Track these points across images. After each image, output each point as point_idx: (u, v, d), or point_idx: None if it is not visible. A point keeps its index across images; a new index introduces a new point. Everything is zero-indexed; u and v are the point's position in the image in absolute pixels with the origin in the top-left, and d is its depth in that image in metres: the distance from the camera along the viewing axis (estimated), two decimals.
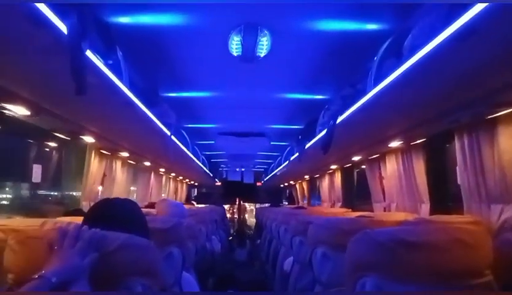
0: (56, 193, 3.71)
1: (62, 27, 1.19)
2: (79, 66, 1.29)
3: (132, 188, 4.85)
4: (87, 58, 1.39)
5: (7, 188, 3.07)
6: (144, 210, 2.84)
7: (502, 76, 1.42)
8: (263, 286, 4.01)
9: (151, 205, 3.59)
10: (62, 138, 2.77)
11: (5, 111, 1.91)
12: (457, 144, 2.09)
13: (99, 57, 1.53)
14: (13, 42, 1.24)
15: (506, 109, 1.71)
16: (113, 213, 1.12)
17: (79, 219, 1.12)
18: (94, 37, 1.51)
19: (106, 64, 1.60)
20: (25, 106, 1.86)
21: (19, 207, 3.07)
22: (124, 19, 1.78)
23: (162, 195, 6.40)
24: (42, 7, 1.08)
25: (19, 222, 1.58)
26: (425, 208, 2.62)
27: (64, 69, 1.28)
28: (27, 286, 0.82)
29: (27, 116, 2.00)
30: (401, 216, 2.47)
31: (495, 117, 1.81)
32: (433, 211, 2.56)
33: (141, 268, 1.00)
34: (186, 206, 5.03)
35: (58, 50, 1.26)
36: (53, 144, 3.35)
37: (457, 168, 2.13)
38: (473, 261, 1.20)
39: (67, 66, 1.28)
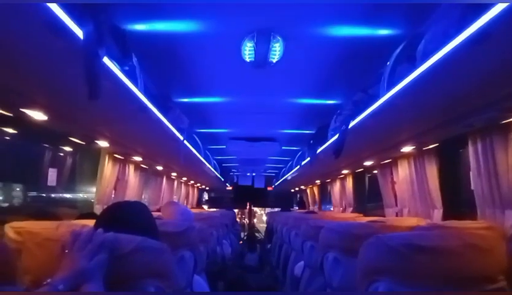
0: (69, 196, 3.76)
1: (79, 34, 1.21)
2: (93, 72, 1.31)
3: (144, 192, 4.89)
4: (103, 64, 1.42)
5: (22, 192, 3.12)
6: (156, 214, 2.88)
7: None
8: (273, 290, 3.99)
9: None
10: (78, 143, 2.81)
11: (22, 116, 1.96)
12: (470, 149, 2.08)
13: (115, 63, 1.56)
14: (31, 47, 1.27)
15: None
16: (123, 216, 1.14)
17: (93, 223, 1.14)
18: (110, 44, 1.54)
19: (122, 70, 1.63)
20: (42, 110, 1.90)
21: (35, 210, 3.12)
22: (139, 26, 1.81)
23: (174, 198, 6.44)
24: (60, 14, 1.11)
25: (35, 224, 1.60)
26: (438, 214, 2.60)
27: (80, 74, 1.30)
28: (35, 294, 0.84)
29: (44, 121, 2.05)
30: (413, 221, 2.44)
31: (509, 121, 1.80)
32: (445, 217, 2.54)
33: (155, 271, 1.01)
34: (197, 210, 5.06)
35: (75, 56, 1.28)
36: (68, 149, 3.40)
37: (471, 173, 2.11)
38: (486, 266, 1.18)
39: (83, 72, 1.30)
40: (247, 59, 2.02)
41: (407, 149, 2.74)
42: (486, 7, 1.03)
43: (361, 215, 3.84)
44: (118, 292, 0.96)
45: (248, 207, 11.21)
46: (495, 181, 1.92)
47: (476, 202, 2.06)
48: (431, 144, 2.59)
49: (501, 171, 1.89)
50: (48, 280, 0.86)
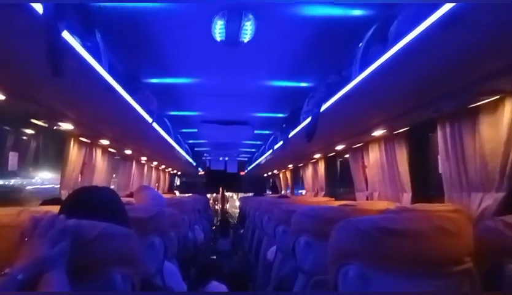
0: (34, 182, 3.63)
1: (38, 8, 1.14)
2: (55, 47, 1.24)
3: (113, 177, 4.78)
4: (63, 39, 1.34)
5: None
6: (125, 199, 2.81)
7: (485, 65, 1.42)
8: (246, 275, 4.01)
9: (133, 194, 3.54)
10: (40, 125, 2.68)
11: None
12: (439, 133, 2.11)
13: (77, 38, 1.47)
14: None
15: (488, 98, 1.73)
16: (91, 201, 1.09)
17: (57, 209, 1.08)
18: (71, 18, 1.45)
19: (84, 46, 1.54)
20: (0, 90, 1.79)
21: None
22: (104, 1, 1.71)
23: (145, 183, 6.33)
24: None
25: None
26: (407, 197, 2.66)
27: (40, 51, 1.23)
28: None
29: (2, 100, 1.93)
30: (383, 205, 2.49)
31: (476, 106, 1.83)
32: (414, 200, 2.59)
33: (121, 258, 0.97)
34: (169, 196, 5.00)
35: (34, 31, 1.21)
36: (30, 131, 3.26)
37: (439, 157, 2.15)
38: (453, 248, 1.20)
39: (43, 48, 1.22)
40: (218, 39, 1.96)
41: (378, 132, 2.77)
42: None
43: (333, 199, 3.89)
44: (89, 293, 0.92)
45: (221, 192, 11.21)
46: (463, 165, 1.96)
47: (444, 186, 2.10)
48: (401, 128, 2.63)
49: (468, 155, 1.93)
50: (7, 270, 0.80)
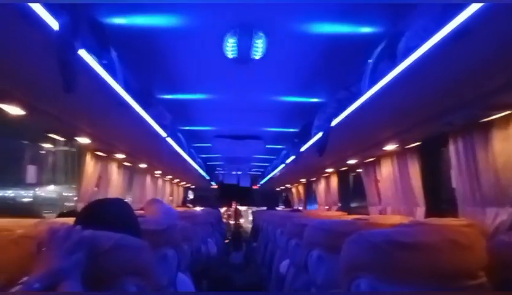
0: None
1: (54, 25, 1.19)
2: (68, 63, 1.28)
3: (128, 190, 4.83)
4: (79, 56, 1.39)
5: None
6: (140, 212, 2.84)
7: (496, 78, 1.42)
8: (258, 288, 3.99)
9: None
10: (58, 139, 2.75)
11: None
12: (451, 147, 2.10)
13: (93, 56, 1.52)
14: (5, 39, 1.24)
15: (500, 112, 1.72)
16: (104, 213, 1.12)
17: (73, 221, 1.11)
18: (87, 37, 1.51)
19: (100, 64, 1.59)
20: (19, 105, 1.85)
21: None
22: (119, 20, 1.78)
23: (159, 197, 6.37)
24: (34, 4, 1.09)
25: (11, 222, 1.56)
26: (420, 211, 2.63)
27: (56, 67, 1.28)
28: (11, 294, 0.81)
29: (22, 116, 1.99)
30: (396, 219, 2.47)
31: (489, 120, 1.82)
32: (428, 215, 2.56)
33: (135, 269, 0.99)
34: (182, 209, 5.02)
35: (51, 48, 1.25)
36: (48, 145, 3.33)
37: (452, 171, 2.14)
38: (467, 263, 1.20)
39: (58, 64, 1.27)
40: (230, 56, 2.00)
41: (390, 147, 2.76)
42: (465, 5, 1.04)
43: (346, 213, 3.86)
44: (99, 293, 0.94)
45: (234, 206, 11.18)
46: (476, 179, 1.94)
47: (457, 200, 2.08)
48: (413, 143, 2.61)
49: (481, 169, 1.91)
50: (24, 279, 0.83)
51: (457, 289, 1.16)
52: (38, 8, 1.10)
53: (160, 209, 2.52)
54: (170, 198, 7.43)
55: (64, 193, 3.98)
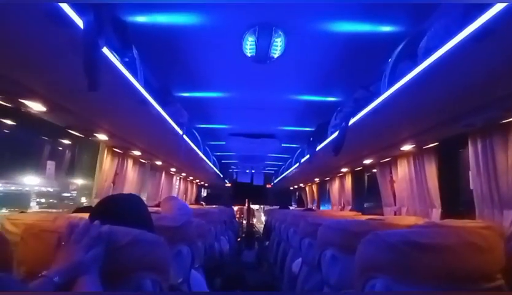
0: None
1: (79, 23, 1.21)
2: (93, 62, 1.30)
3: (143, 187, 4.88)
4: (103, 54, 1.41)
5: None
6: (154, 209, 2.87)
7: None
8: (270, 287, 4.00)
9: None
10: (77, 135, 2.80)
11: (21, 107, 1.95)
12: (470, 149, 2.07)
13: (115, 54, 1.55)
14: (30, 37, 1.26)
15: None
16: (118, 208, 1.14)
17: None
18: (110, 35, 1.53)
19: (122, 62, 1.62)
20: (41, 102, 1.89)
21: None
22: (140, 18, 1.80)
23: (173, 194, 6.43)
24: (61, 4, 1.10)
25: (32, 216, 1.60)
26: (436, 213, 2.60)
27: (80, 65, 1.30)
28: (31, 286, 0.83)
29: (43, 112, 2.04)
30: (411, 220, 2.44)
31: (509, 121, 1.79)
32: (444, 216, 2.53)
33: (151, 264, 1.01)
34: (196, 206, 5.06)
35: (74, 47, 1.27)
36: (67, 141, 3.40)
37: (470, 172, 2.11)
38: (484, 265, 1.18)
39: (83, 62, 1.29)
40: (248, 54, 2.01)
41: (407, 147, 2.73)
42: (488, 5, 1.03)
43: (360, 214, 3.84)
44: (112, 293, 0.96)
45: (246, 204, 11.20)
46: (494, 181, 1.91)
47: (475, 202, 2.05)
48: (431, 143, 2.59)
49: (500, 171, 1.88)
50: (44, 272, 0.86)
51: (473, 291, 1.15)
52: (65, 7, 1.12)
53: (176, 206, 2.54)
54: (184, 195, 7.48)
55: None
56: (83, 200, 4.02)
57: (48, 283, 0.84)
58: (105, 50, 1.42)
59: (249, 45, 1.94)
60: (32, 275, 0.89)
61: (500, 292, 1.19)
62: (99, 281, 0.91)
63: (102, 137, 2.84)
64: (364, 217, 2.84)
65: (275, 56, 2.01)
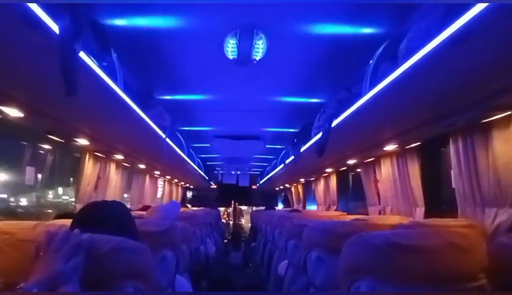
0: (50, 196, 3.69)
1: (55, 28, 1.18)
2: (70, 67, 1.27)
3: (127, 191, 4.82)
4: (80, 59, 1.38)
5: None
6: (138, 213, 2.83)
7: (498, 79, 1.42)
8: (257, 289, 3.99)
9: (146, 208, 3.57)
10: (57, 140, 2.75)
11: None
12: (451, 148, 2.10)
13: (92, 59, 1.51)
14: (4, 42, 1.23)
15: (501, 113, 1.72)
16: (100, 215, 1.11)
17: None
18: (88, 38, 1.49)
19: (100, 66, 1.59)
20: (17, 107, 1.85)
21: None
22: (119, 21, 1.77)
23: (158, 197, 6.37)
24: (34, 7, 1.07)
25: (9, 224, 1.55)
26: (420, 212, 2.63)
27: (57, 69, 1.27)
28: None
29: (20, 118, 1.99)
30: (395, 220, 2.46)
31: (489, 120, 1.82)
32: (427, 215, 2.56)
33: (134, 271, 0.99)
34: (181, 209, 5.01)
35: (50, 51, 1.24)
36: (47, 147, 3.32)
37: (452, 171, 2.13)
38: (467, 265, 1.20)
39: (59, 67, 1.26)
40: (230, 57, 2.00)
41: (390, 147, 2.76)
42: (468, 6, 1.03)
43: (345, 213, 3.86)
44: (98, 292, 0.94)
45: (232, 206, 11.18)
46: (476, 180, 1.94)
47: (457, 200, 2.08)
48: (413, 143, 2.61)
49: (481, 169, 1.91)
50: (22, 284, 0.83)
51: (456, 291, 1.16)
52: (38, 11, 1.09)
53: (161, 212, 2.52)
54: (169, 198, 7.42)
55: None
56: None
57: (27, 293, 0.81)
58: (83, 55, 1.39)
59: (231, 48, 1.93)
60: (9, 287, 0.86)
61: (484, 292, 1.20)
62: (79, 291, 0.88)
63: (83, 141, 2.79)
64: (350, 217, 2.87)
65: (257, 58, 2.00)
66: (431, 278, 1.14)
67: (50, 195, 3.68)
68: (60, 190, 3.84)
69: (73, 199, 3.22)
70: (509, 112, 1.70)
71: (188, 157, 4.65)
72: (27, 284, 0.83)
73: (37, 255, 0.91)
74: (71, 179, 3.73)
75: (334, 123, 2.40)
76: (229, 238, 8.10)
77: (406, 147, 2.71)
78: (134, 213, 2.34)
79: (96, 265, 0.93)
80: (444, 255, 1.15)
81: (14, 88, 1.69)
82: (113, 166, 3.82)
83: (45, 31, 1.16)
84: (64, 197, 3.92)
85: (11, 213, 3.00)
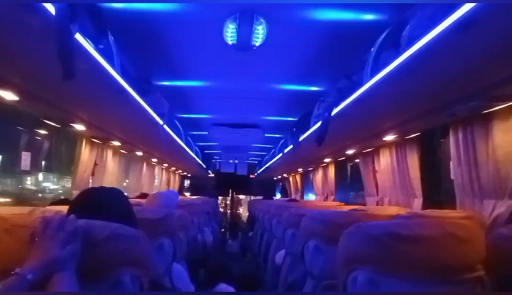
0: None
1: (51, 9, 1.15)
2: (67, 50, 1.25)
3: (124, 178, 4.81)
4: (76, 41, 1.35)
5: None
6: (136, 200, 2.82)
7: (500, 69, 1.40)
8: (254, 278, 4.01)
9: (144, 196, 3.56)
10: (53, 126, 2.72)
11: None
12: (451, 139, 2.09)
13: (89, 41, 1.48)
14: (0, 24, 1.20)
15: (502, 104, 1.70)
16: (98, 202, 1.10)
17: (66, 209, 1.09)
18: (84, 21, 1.46)
19: (96, 49, 1.55)
20: (13, 90, 1.82)
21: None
22: (116, 4, 1.73)
23: (155, 184, 6.37)
24: None
25: (4, 210, 1.54)
26: (418, 203, 2.63)
27: (53, 52, 1.24)
28: (3, 285, 0.79)
29: (16, 102, 1.96)
30: (393, 210, 2.47)
31: (490, 111, 1.81)
32: (425, 206, 2.56)
33: (130, 259, 0.98)
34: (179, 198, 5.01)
35: (47, 33, 1.22)
36: (43, 132, 3.30)
37: (451, 162, 2.13)
38: (465, 255, 1.19)
39: (55, 50, 1.24)
40: (229, 42, 1.97)
41: (389, 137, 2.75)
42: None
43: (343, 204, 3.87)
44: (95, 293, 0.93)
45: (230, 195, 11.20)
46: (475, 171, 1.93)
47: (456, 192, 2.08)
48: (413, 133, 2.60)
49: (480, 161, 1.90)
50: (17, 270, 0.82)
51: (454, 282, 1.15)
52: None
53: (159, 196, 2.51)
54: (167, 186, 7.43)
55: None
56: None
57: (21, 280, 0.80)
58: (79, 37, 1.36)
59: (230, 33, 1.90)
60: (4, 273, 0.84)
61: (484, 292, 1.20)
62: (76, 278, 0.87)
63: (79, 127, 2.77)
64: (347, 208, 2.86)
65: (257, 44, 1.97)
66: (429, 268, 1.13)
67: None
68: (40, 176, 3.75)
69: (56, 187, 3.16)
70: (511, 103, 1.68)
71: (186, 144, 4.63)
72: (22, 270, 0.81)
73: (32, 241, 0.90)
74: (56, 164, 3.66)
75: (334, 112, 2.38)
76: (227, 226, 8.13)
77: (406, 137, 2.70)
78: (132, 201, 2.33)
79: (92, 251, 0.92)
80: (442, 246, 1.15)
81: (9, 71, 1.66)
82: (110, 153, 3.80)
83: (41, 13, 1.13)
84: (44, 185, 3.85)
85: None
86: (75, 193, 3.05)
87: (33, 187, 3.51)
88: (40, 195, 3.58)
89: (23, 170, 2.92)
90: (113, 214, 1.05)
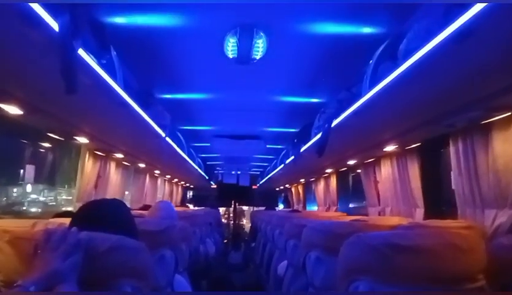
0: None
1: (54, 25, 1.18)
2: (69, 64, 1.27)
3: (127, 190, 4.82)
4: (79, 56, 1.38)
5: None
6: (138, 212, 2.83)
7: (498, 80, 1.41)
8: (257, 289, 3.99)
9: (146, 207, 3.56)
10: (57, 139, 2.74)
11: None
12: (451, 149, 2.09)
13: (92, 56, 1.51)
14: (4, 39, 1.23)
15: (501, 114, 1.71)
16: (100, 214, 1.11)
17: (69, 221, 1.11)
18: (87, 36, 1.49)
19: (99, 64, 1.58)
20: (17, 104, 1.84)
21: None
22: (119, 20, 1.77)
23: (158, 196, 6.37)
24: (34, 5, 1.07)
25: (7, 222, 1.55)
26: (419, 213, 2.62)
27: (56, 67, 1.27)
28: None
29: (20, 115, 1.98)
30: (395, 221, 2.46)
31: (490, 121, 1.81)
32: (427, 216, 2.56)
33: (132, 270, 0.99)
34: (181, 209, 5.02)
35: (50, 49, 1.24)
36: (47, 145, 3.32)
37: (452, 172, 2.13)
38: (466, 266, 1.19)
39: (59, 65, 1.26)
40: (230, 56, 2.00)
41: (389, 148, 2.75)
42: (467, 6, 1.03)
43: (345, 214, 3.85)
44: (95, 292, 0.93)
45: (233, 206, 11.15)
46: (476, 181, 1.93)
47: (457, 202, 2.07)
48: (413, 144, 2.61)
49: (481, 171, 1.90)
50: (19, 281, 0.83)
51: (455, 292, 1.16)
52: (38, 9, 1.09)
53: (160, 208, 2.51)
54: (169, 197, 7.42)
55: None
56: None
57: (24, 292, 0.81)
58: (81, 52, 1.39)
59: (231, 47, 1.93)
60: (7, 285, 0.86)
61: (483, 292, 1.20)
62: (78, 290, 0.88)
63: (82, 140, 2.79)
64: (349, 218, 2.86)
65: (258, 57, 2.00)
66: (430, 279, 1.13)
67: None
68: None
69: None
70: (510, 113, 1.69)
71: (188, 156, 4.65)
72: (24, 282, 0.82)
73: (35, 254, 0.91)
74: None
75: (334, 123, 2.39)
76: (230, 237, 8.09)
77: (406, 147, 2.70)
78: (135, 212, 2.34)
79: (94, 263, 0.93)
80: (443, 256, 1.15)
81: (14, 85, 1.69)
82: (113, 165, 3.81)
83: (44, 29, 1.16)
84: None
85: None
86: (79, 205, 3.06)
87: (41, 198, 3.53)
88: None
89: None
90: (114, 226, 1.06)
